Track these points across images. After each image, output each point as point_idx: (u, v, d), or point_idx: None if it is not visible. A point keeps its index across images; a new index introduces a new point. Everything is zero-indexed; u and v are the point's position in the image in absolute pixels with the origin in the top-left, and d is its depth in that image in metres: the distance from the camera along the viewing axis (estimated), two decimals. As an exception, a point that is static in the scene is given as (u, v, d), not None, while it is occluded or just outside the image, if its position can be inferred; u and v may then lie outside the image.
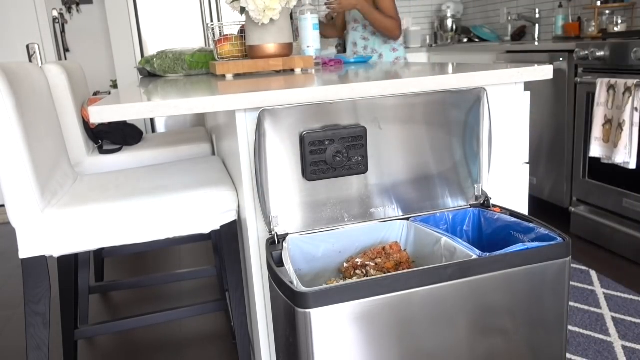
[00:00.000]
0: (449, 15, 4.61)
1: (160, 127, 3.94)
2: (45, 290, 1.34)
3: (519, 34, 4.01)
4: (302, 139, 1.13)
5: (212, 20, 3.78)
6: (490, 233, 1.21)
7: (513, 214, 1.18)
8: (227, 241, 1.44)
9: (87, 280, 2.09)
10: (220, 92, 1.15)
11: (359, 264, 1.15)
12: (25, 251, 1.30)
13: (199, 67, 2.00)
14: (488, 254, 0.97)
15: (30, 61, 3.60)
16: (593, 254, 2.58)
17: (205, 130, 2.66)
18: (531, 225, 1.10)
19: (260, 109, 1.11)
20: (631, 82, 2.24)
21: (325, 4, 2.56)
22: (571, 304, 2.09)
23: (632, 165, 2.30)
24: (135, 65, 3.85)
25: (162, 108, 1.06)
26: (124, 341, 2.09)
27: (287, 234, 1.17)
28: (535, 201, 3.23)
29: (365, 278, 0.93)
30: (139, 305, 2.38)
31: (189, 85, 1.48)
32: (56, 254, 1.32)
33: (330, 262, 1.19)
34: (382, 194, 1.23)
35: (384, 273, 1.10)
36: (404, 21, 4.87)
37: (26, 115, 1.34)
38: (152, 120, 3.90)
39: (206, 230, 1.41)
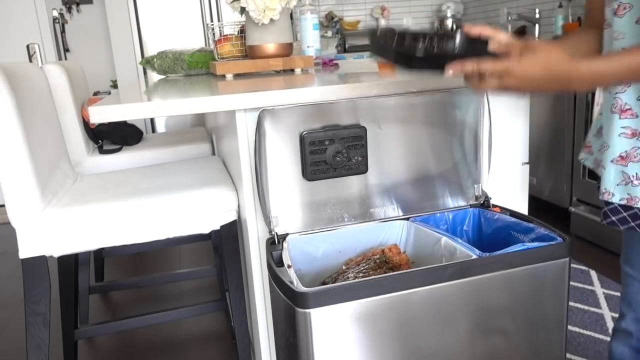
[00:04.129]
0: (449, 15, 4.61)
1: (160, 127, 3.93)
2: (45, 290, 1.34)
3: (519, 34, 4.01)
4: (302, 139, 1.13)
5: (212, 20, 3.78)
6: (490, 233, 1.21)
7: (513, 214, 1.18)
8: (227, 241, 1.44)
9: (87, 280, 2.09)
10: (220, 92, 1.15)
11: (357, 267, 1.15)
12: (25, 251, 1.30)
13: (198, 67, 2.00)
14: (488, 254, 0.97)
15: (30, 61, 3.60)
16: (593, 254, 2.58)
17: (205, 130, 2.66)
18: (531, 225, 1.10)
19: (260, 109, 1.11)
20: (631, 82, 2.24)
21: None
22: (571, 304, 2.08)
23: (632, 165, 2.29)
24: (136, 65, 3.85)
25: (162, 108, 1.06)
26: (124, 341, 2.09)
27: (287, 234, 1.17)
28: (535, 201, 3.23)
29: (365, 278, 0.93)
30: (139, 305, 2.38)
31: (189, 85, 1.48)
32: (56, 254, 1.32)
33: (330, 262, 1.19)
34: (382, 194, 1.23)
35: (384, 273, 1.10)
36: (403, 21, 4.86)
37: (26, 115, 1.34)
38: (152, 120, 3.90)
39: (206, 230, 1.41)
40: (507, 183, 1.37)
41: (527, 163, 1.37)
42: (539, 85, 0.86)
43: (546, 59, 0.85)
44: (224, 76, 1.66)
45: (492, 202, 1.31)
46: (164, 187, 1.47)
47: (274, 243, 1.14)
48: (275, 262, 1.05)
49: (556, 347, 1.06)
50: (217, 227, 1.42)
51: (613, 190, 0.96)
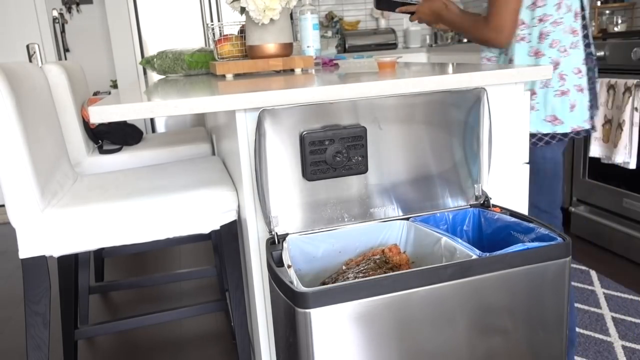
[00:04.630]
0: (449, 15, 4.60)
1: (160, 127, 3.94)
2: (45, 290, 1.34)
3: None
4: (302, 139, 1.13)
5: (212, 20, 3.78)
6: (490, 233, 1.21)
7: (513, 214, 1.18)
8: (227, 241, 1.44)
9: (87, 280, 2.09)
10: (220, 92, 1.15)
11: (357, 267, 1.15)
12: (25, 251, 1.30)
13: (198, 67, 2.00)
14: (488, 254, 0.97)
15: (30, 61, 3.60)
16: (593, 254, 2.58)
17: (205, 130, 2.66)
18: (531, 225, 1.10)
19: (260, 109, 1.11)
20: (631, 82, 2.24)
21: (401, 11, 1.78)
22: (571, 304, 2.09)
23: (632, 165, 2.30)
24: (136, 65, 3.85)
25: (162, 108, 1.06)
26: (124, 341, 2.09)
27: (287, 234, 1.17)
28: (535, 201, 3.22)
29: (365, 278, 0.92)
30: (139, 305, 2.38)
31: (189, 85, 1.48)
32: (56, 254, 1.32)
33: (330, 262, 1.19)
34: (382, 194, 1.23)
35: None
36: (403, 21, 4.86)
37: (26, 115, 1.34)
38: (152, 120, 3.90)
39: (206, 230, 1.41)
40: (507, 183, 1.37)
41: (527, 163, 1.37)
42: (430, 17, 1.66)
43: (431, 4, 1.63)
44: (224, 76, 1.66)
45: (492, 202, 1.31)
46: (164, 187, 1.47)
47: (274, 243, 1.14)
48: (275, 262, 1.05)
49: (556, 347, 1.06)
50: (217, 227, 1.42)
51: None
